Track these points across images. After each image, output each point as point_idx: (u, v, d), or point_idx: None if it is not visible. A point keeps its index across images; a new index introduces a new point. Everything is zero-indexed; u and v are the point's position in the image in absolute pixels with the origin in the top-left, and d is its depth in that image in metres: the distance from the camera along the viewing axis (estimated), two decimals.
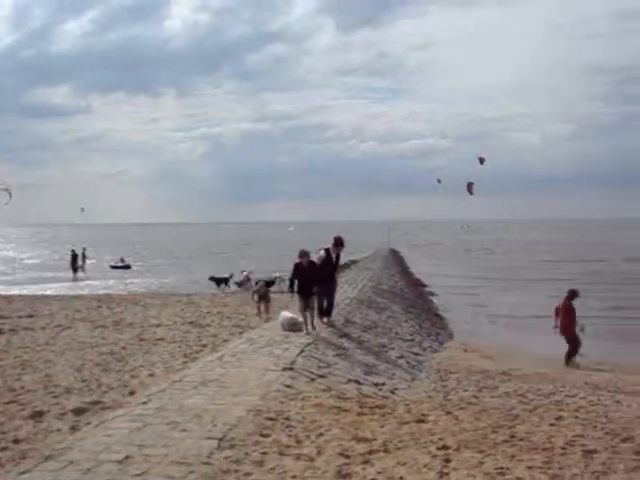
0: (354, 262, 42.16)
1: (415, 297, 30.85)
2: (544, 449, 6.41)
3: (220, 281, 35.20)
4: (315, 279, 14.29)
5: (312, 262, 14.59)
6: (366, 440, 6.69)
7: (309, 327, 14.04)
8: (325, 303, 15.48)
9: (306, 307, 14.16)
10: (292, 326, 14.20)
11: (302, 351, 11.79)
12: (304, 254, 14.44)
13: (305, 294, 14.16)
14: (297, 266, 14.45)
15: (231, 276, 35.79)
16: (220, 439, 6.59)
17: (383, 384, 11.37)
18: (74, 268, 46.49)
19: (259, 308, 17.51)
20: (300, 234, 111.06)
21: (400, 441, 6.69)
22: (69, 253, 48.82)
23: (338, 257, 15.91)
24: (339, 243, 15.63)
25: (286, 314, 14.70)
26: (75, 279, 43.12)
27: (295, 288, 14.36)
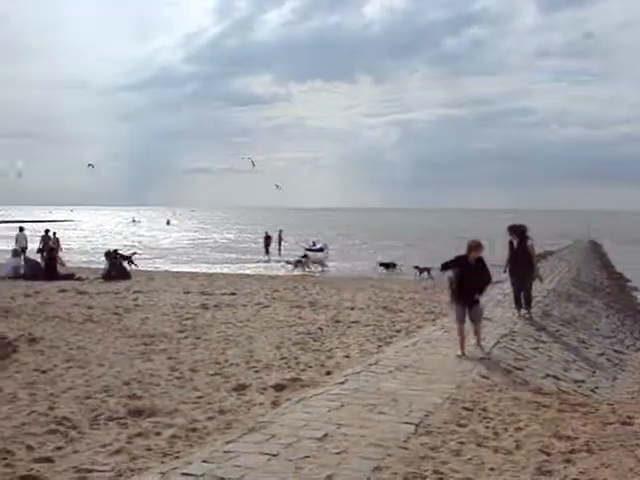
0: (551, 253, 40.64)
1: (617, 292, 29.25)
2: None
3: None
4: (483, 282, 10.61)
5: (481, 259, 10.51)
6: (568, 438, 6.44)
7: (464, 348, 10.31)
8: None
9: (463, 319, 10.53)
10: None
11: (498, 342, 11.54)
12: (476, 246, 10.46)
13: (464, 301, 10.53)
14: (459, 260, 10.52)
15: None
16: (417, 425, 6.61)
17: (583, 381, 10.93)
18: (267, 249, 48.28)
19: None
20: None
21: (604, 442, 6.36)
22: (264, 235, 50.70)
23: (522, 245, 14.57)
24: (513, 230, 14.88)
25: None
26: (268, 260, 44.69)
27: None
